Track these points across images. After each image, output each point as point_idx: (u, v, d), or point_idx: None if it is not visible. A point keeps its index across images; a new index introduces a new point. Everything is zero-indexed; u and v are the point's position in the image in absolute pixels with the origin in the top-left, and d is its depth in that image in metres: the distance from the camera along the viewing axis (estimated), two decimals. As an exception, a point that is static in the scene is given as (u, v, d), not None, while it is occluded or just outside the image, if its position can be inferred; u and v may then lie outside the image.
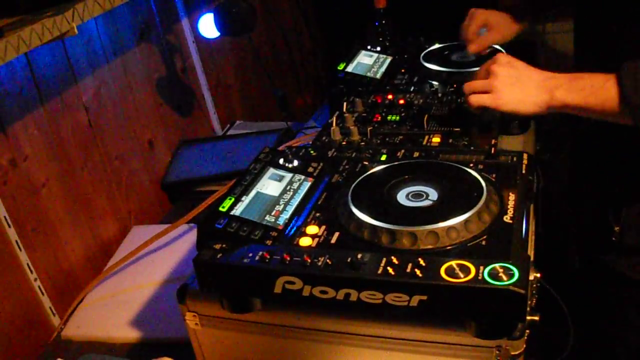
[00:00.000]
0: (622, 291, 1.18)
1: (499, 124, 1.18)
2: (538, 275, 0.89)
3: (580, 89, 1.00)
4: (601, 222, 1.17)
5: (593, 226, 1.21)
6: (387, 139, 1.19)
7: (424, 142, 1.16)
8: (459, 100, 1.29)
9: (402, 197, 0.96)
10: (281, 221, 0.95)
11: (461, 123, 1.20)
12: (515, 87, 1.05)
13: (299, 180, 1.05)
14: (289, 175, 1.06)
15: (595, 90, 0.99)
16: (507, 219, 0.88)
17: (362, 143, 1.19)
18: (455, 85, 1.33)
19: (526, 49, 1.45)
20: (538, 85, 1.04)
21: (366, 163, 1.09)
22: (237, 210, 0.96)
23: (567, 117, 1.11)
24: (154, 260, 1.53)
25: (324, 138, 1.24)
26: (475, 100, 1.09)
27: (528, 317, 0.79)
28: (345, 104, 1.34)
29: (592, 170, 1.24)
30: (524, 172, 1.02)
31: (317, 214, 0.96)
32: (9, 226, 1.34)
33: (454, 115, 1.25)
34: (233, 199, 0.98)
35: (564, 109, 1.03)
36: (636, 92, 0.95)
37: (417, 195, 0.95)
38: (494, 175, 1.00)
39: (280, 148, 1.25)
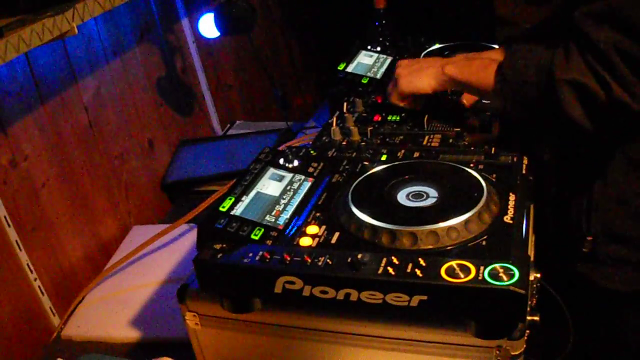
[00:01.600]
0: (596, 301, 1.18)
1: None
2: (538, 275, 0.89)
3: (469, 66, 1.09)
4: (574, 230, 1.17)
5: (566, 234, 1.21)
6: (387, 139, 1.19)
7: (424, 142, 1.16)
8: (457, 100, 1.29)
9: (402, 197, 0.96)
10: (281, 221, 0.95)
11: (461, 123, 1.21)
12: (413, 70, 1.19)
13: (299, 180, 1.05)
14: (289, 175, 1.06)
15: (483, 68, 1.06)
16: (507, 219, 0.88)
17: (362, 143, 1.19)
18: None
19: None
20: (433, 62, 1.17)
21: (366, 163, 1.09)
22: (237, 210, 0.96)
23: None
24: (154, 260, 1.53)
25: (324, 138, 1.24)
26: (392, 99, 1.24)
27: (528, 317, 0.79)
28: (345, 104, 1.34)
29: (569, 177, 1.23)
30: (524, 172, 1.02)
31: (317, 214, 0.96)
32: (9, 226, 1.34)
33: (454, 115, 1.25)
34: (233, 199, 0.98)
35: (454, 84, 1.13)
36: (510, 68, 0.99)
37: (417, 195, 0.95)
38: (494, 175, 1.00)
39: (281, 148, 1.25)
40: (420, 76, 1.17)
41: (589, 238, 1.13)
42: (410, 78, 1.19)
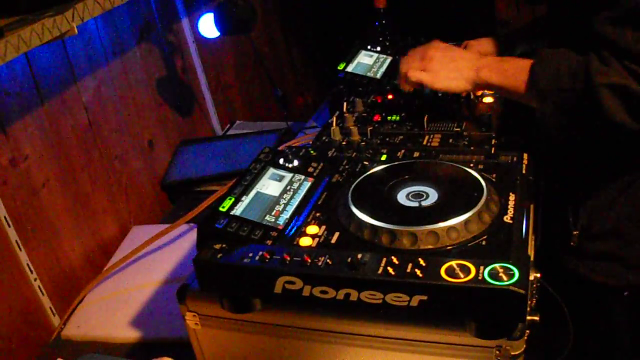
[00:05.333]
0: (584, 294, 1.19)
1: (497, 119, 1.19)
2: (538, 275, 0.89)
3: (504, 70, 1.08)
4: (561, 225, 1.18)
5: (553, 228, 1.22)
6: (387, 139, 1.19)
7: (424, 142, 1.16)
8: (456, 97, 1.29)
9: (402, 197, 0.96)
10: (281, 221, 0.95)
11: (461, 122, 1.21)
12: (450, 67, 1.14)
13: (299, 180, 1.05)
14: (289, 175, 1.06)
15: (515, 73, 1.06)
16: (507, 219, 0.88)
17: (362, 143, 1.19)
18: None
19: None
20: (468, 64, 1.13)
21: (366, 163, 1.09)
22: (237, 210, 0.96)
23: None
24: (154, 260, 1.53)
25: (324, 138, 1.24)
26: (413, 75, 1.16)
27: (528, 317, 0.79)
28: (345, 104, 1.35)
29: (553, 171, 1.24)
30: (524, 172, 1.02)
31: (317, 214, 0.96)
32: (9, 226, 1.34)
33: (454, 115, 1.25)
34: (233, 199, 0.98)
35: (488, 87, 1.13)
36: (543, 76, 0.99)
37: (417, 195, 0.95)
38: (494, 175, 1.00)
39: (280, 148, 1.25)
40: (456, 76, 1.13)
41: (575, 232, 1.14)
42: (444, 76, 1.14)
